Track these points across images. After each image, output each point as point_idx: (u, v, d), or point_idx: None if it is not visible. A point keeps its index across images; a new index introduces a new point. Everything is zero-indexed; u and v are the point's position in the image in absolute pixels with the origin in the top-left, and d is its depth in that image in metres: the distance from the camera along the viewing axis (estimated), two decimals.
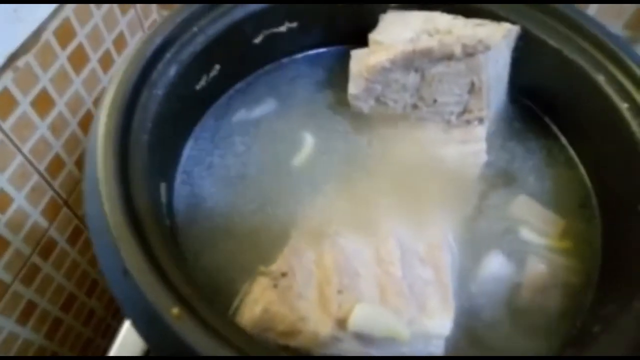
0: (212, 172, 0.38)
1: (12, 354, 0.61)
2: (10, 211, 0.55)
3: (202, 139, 0.39)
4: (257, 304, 0.31)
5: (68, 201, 0.65)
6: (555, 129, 0.42)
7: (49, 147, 0.60)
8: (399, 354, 0.30)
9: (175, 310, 0.24)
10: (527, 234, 0.37)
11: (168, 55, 0.35)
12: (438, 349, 0.30)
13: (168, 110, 0.34)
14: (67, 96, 0.60)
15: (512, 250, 0.36)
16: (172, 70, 0.35)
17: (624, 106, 0.35)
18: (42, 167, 0.59)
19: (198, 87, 0.38)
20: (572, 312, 0.33)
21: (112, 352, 0.47)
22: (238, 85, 0.42)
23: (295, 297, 0.31)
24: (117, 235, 0.25)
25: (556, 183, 0.39)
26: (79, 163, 0.66)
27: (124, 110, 0.30)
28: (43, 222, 0.61)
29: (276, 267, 0.33)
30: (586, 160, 0.40)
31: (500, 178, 0.39)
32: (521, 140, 0.42)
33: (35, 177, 0.59)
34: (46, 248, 0.63)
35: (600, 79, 0.37)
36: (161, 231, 0.28)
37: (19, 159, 0.55)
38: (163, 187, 0.33)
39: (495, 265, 0.35)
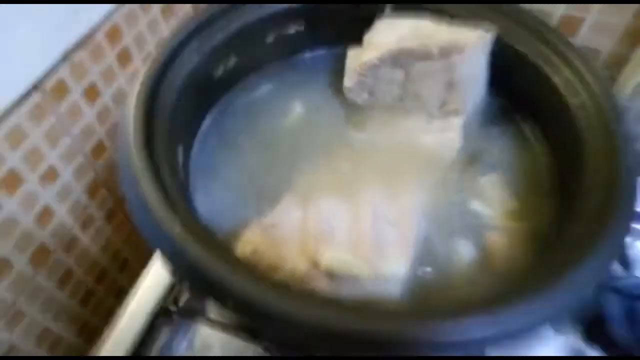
0: (221, 144, 0.45)
1: (50, 314, 0.70)
2: (59, 184, 0.64)
3: (217, 117, 0.47)
4: (248, 245, 0.38)
5: (107, 182, 0.74)
6: (523, 123, 0.48)
7: (94, 132, 0.69)
8: (362, 290, 0.36)
9: (178, 229, 0.31)
10: (487, 211, 0.42)
11: (192, 46, 0.43)
12: (396, 288, 0.35)
13: (189, 90, 0.42)
14: (113, 89, 0.70)
15: (474, 225, 0.42)
16: (195, 58, 0.43)
17: (574, 102, 0.41)
18: (86, 149, 0.68)
19: (216, 74, 0.46)
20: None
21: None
22: (251, 76, 0.50)
23: (280, 243, 0.38)
24: (139, 176, 0.33)
25: (520, 169, 0.45)
26: None
27: (153, 83, 0.38)
28: (84, 199, 0.70)
29: (267, 219, 0.40)
30: (547, 150, 0.45)
31: (471, 161, 0.45)
32: (493, 132, 0.47)
33: (80, 158, 0.68)
34: (85, 222, 0.72)
35: (557, 80, 0.42)
36: (175, 179, 0.36)
37: (67, 139, 0.64)
38: (180, 149, 0.41)
39: (458, 238, 0.41)
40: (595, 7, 0.65)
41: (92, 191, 0.71)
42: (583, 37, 0.70)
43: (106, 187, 0.75)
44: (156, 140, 0.36)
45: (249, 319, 0.30)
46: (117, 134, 0.35)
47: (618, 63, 0.70)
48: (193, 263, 0.30)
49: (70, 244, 0.70)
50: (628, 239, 0.55)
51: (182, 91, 0.41)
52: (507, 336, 0.28)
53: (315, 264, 0.37)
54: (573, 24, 0.69)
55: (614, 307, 0.51)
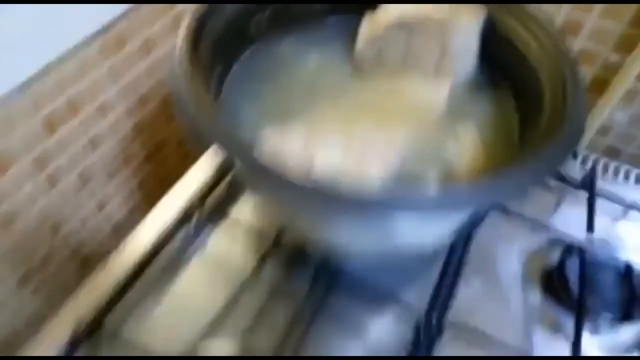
0: (246, 80, 0.55)
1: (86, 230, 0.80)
2: (111, 117, 0.76)
3: (245, 59, 0.57)
4: (263, 148, 0.47)
5: (150, 128, 0.85)
6: (504, 89, 0.56)
7: (142, 83, 0.80)
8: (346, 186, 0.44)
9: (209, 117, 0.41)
10: (459, 153, 0.50)
11: None
12: (375, 183, 0.44)
13: (228, 31, 0.52)
14: (164, 49, 0.81)
15: (445, 161, 0.50)
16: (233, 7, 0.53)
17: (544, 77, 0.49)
18: (139, 93, 0.80)
19: (251, 26, 0.57)
20: None
21: None
22: (279, 32, 0.60)
23: (286, 156, 0.47)
24: (186, 84, 0.43)
25: (494, 125, 0.53)
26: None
27: (201, 18, 0.48)
28: (130, 137, 0.82)
29: (278, 136, 0.49)
30: (521, 115, 0.53)
31: (454, 116, 0.53)
32: (478, 95, 0.56)
33: (132, 99, 0.79)
34: (127, 158, 0.83)
35: (532, 57, 0.51)
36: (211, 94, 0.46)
37: (124, 80, 0.76)
38: (215, 78, 0.51)
39: (430, 167, 0.49)
40: (595, 12, 0.73)
41: (137, 132, 0.83)
42: (581, 43, 0.78)
43: (148, 132, 0.86)
44: (199, 61, 0.46)
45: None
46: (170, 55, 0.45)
47: (613, 69, 0.77)
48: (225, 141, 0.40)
49: (112, 173, 0.81)
50: None
51: (223, 32, 0.51)
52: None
53: (311, 168, 0.46)
54: (573, 29, 0.77)
55: (571, 267, 0.59)
